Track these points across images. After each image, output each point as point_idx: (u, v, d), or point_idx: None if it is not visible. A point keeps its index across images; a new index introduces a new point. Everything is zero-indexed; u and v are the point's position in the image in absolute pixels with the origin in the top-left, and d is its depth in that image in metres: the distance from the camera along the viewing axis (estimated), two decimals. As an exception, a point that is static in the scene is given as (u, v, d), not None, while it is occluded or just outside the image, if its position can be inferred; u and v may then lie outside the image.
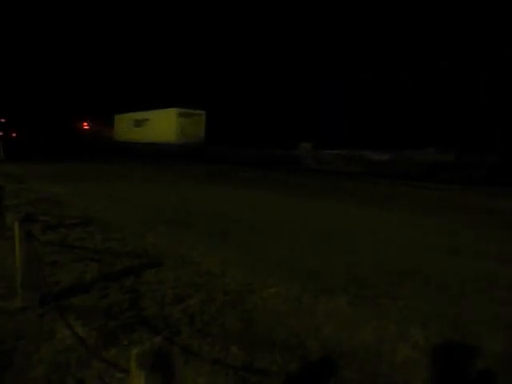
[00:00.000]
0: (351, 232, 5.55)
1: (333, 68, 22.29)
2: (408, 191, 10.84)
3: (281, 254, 4.29)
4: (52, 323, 2.60)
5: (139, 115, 31.54)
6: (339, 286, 3.38)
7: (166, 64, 35.59)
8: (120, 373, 1.90)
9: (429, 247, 4.74)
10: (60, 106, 37.07)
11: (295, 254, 4.34)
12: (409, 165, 14.67)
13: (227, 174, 15.08)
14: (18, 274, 2.88)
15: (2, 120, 34.76)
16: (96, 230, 5.26)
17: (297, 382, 2.09)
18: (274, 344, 2.39)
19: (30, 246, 2.81)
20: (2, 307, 2.85)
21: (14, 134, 36.79)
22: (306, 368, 2.18)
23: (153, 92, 35.86)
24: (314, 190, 10.87)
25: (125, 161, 20.37)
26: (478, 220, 6.69)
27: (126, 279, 3.44)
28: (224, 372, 2.10)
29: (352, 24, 23.94)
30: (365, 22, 23.36)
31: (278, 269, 3.81)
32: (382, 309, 2.93)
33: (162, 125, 28.23)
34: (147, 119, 30.34)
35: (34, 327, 2.57)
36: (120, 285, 3.31)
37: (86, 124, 37.27)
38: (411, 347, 2.39)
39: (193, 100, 29.05)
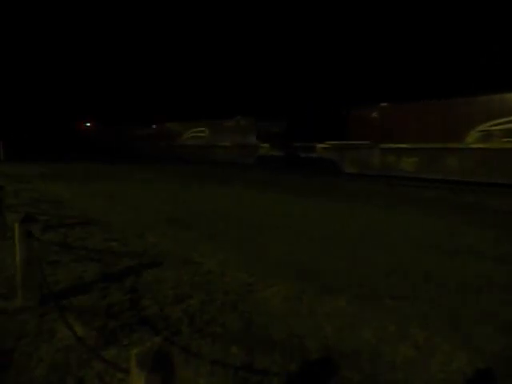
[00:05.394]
0: (350, 232, 5.55)
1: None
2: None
3: (281, 254, 4.29)
4: (52, 323, 2.60)
5: None
6: (339, 285, 3.38)
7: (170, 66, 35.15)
8: (120, 373, 1.90)
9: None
10: (55, 106, 36.79)
11: (295, 253, 4.34)
12: None
13: None
14: (18, 274, 2.88)
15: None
16: (96, 229, 5.26)
17: (297, 382, 2.09)
18: (274, 344, 2.39)
19: (30, 245, 2.81)
20: (2, 307, 2.85)
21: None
22: (305, 368, 2.17)
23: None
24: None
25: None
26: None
27: (126, 279, 3.44)
28: (224, 372, 2.10)
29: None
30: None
31: (278, 268, 3.81)
32: (382, 309, 2.93)
33: None
34: None
35: (34, 327, 2.57)
36: (120, 285, 3.31)
37: (85, 124, 37.16)
38: (411, 347, 2.39)
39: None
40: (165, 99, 31.99)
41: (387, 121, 13.43)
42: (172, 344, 2.32)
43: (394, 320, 2.74)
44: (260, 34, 26.30)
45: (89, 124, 36.71)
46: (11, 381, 2.04)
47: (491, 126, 10.81)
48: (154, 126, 27.42)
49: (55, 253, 4.09)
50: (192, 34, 31.38)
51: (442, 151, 11.70)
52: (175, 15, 32.45)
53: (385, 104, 13.68)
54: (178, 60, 31.74)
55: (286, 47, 24.88)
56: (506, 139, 10.50)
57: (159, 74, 33.14)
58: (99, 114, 36.08)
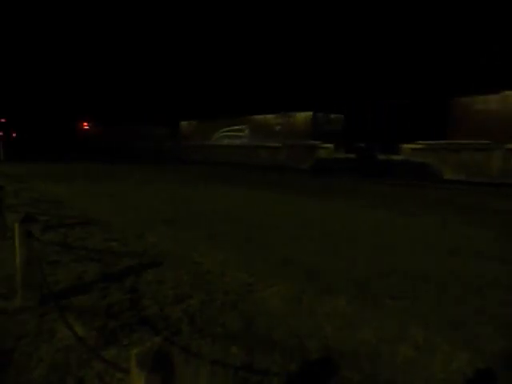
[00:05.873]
0: (351, 232, 5.55)
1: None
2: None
3: (281, 254, 4.28)
4: (52, 323, 2.60)
5: None
6: (339, 285, 3.38)
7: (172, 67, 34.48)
8: (120, 373, 1.90)
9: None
10: (55, 106, 36.81)
11: (295, 253, 4.34)
12: None
13: None
14: (18, 274, 2.88)
15: (2, 120, 34.77)
16: (96, 229, 5.26)
17: (297, 382, 2.09)
18: (274, 344, 2.39)
19: (30, 245, 2.81)
20: (2, 307, 2.85)
21: (14, 135, 36.78)
22: (305, 368, 2.17)
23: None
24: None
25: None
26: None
27: (126, 279, 3.44)
28: (224, 372, 2.10)
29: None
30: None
31: (277, 268, 3.81)
32: (382, 309, 2.93)
33: None
34: None
35: (34, 327, 2.57)
36: (120, 285, 3.31)
37: (86, 124, 37.12)
38: (411, 347, 2.39)
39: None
40: (185, 93, 29.82)
41: None
42: (172, 344, 2.32)
43: (394, 320, 2.74)
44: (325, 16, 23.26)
45: (89, 124, 36.71)
46: (11, 381, 2.04)
47: None
48: (168, 126, 25.35)
49: (55, 253, 4.09)
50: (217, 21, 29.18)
51: None
52: (184, 7, 31.36)
53: (511, 92, 10.56)
54: (205, 50, 29.57)
55: (359, 27, 21.74)
56: None
57: (169, 68, 31.93)
58: (99, 114, 36.07)
